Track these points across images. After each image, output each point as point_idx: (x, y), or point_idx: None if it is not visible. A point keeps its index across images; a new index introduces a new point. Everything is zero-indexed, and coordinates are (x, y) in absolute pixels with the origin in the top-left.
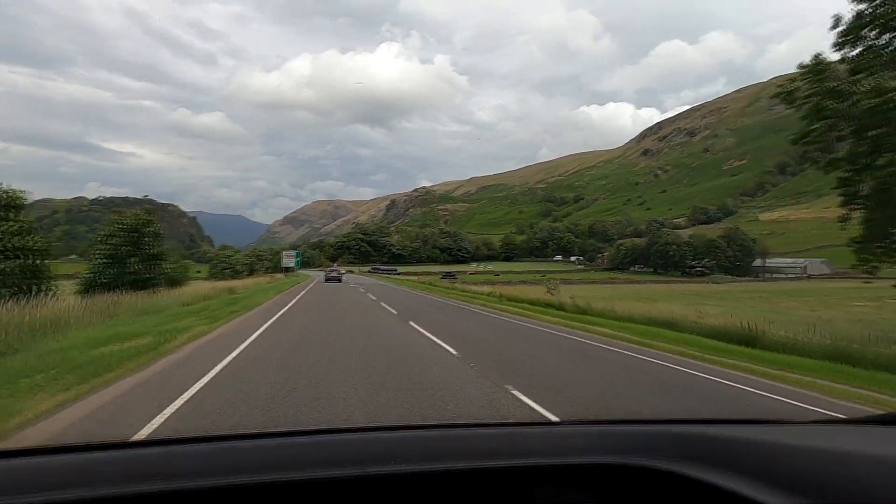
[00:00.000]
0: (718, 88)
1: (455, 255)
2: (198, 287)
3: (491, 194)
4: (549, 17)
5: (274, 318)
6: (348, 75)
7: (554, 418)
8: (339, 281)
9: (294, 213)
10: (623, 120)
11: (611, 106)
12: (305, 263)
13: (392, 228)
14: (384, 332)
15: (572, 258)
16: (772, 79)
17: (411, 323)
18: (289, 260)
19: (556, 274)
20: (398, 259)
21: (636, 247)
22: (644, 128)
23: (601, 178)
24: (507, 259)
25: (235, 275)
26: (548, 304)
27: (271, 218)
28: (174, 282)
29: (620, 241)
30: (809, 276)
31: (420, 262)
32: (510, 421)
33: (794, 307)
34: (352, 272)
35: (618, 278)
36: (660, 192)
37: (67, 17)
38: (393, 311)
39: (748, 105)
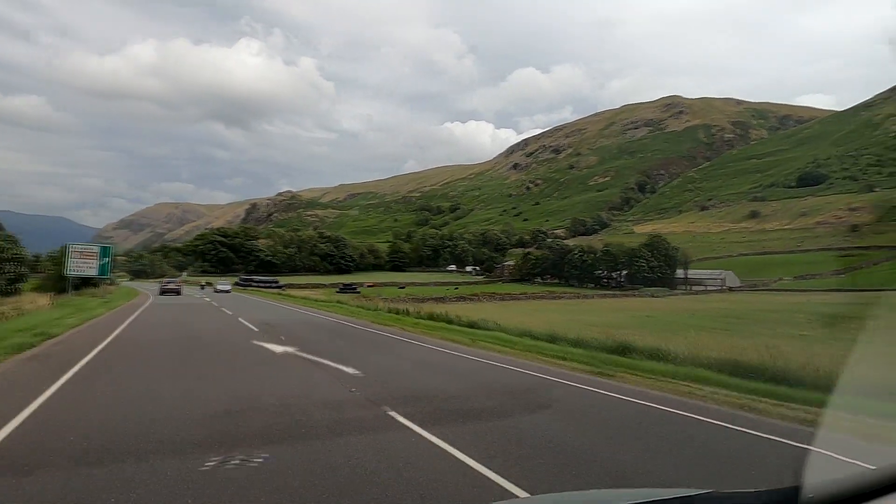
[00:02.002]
0: (566, 115)
1: (337, 263)
2: None
3: (361, 202)
4: (416, 32)
5: None
6: (202, 69)
7: None
8: (178, 294)
9: (133, 216)
10: (483, 138)
11: (472, 124)
12: (140, 273)
13: (261, 230)
14: None
15: (468, 268)
16: (623, 106)
17: None
18: (82, 263)
19: (470, 286)
20: (269, 267)
21: (545, 257)
22: (503, 146)
23: (474, 190)
24: (396, 268)
25: None
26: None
27: (104, 221)
28: None
29: (527, 251)
30: (730, 289)
31: (296, 271)
32: None
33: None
34: (214, 287)
35: (543, 292)
36: (534, 204)
37: None
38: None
39: (605, 128)
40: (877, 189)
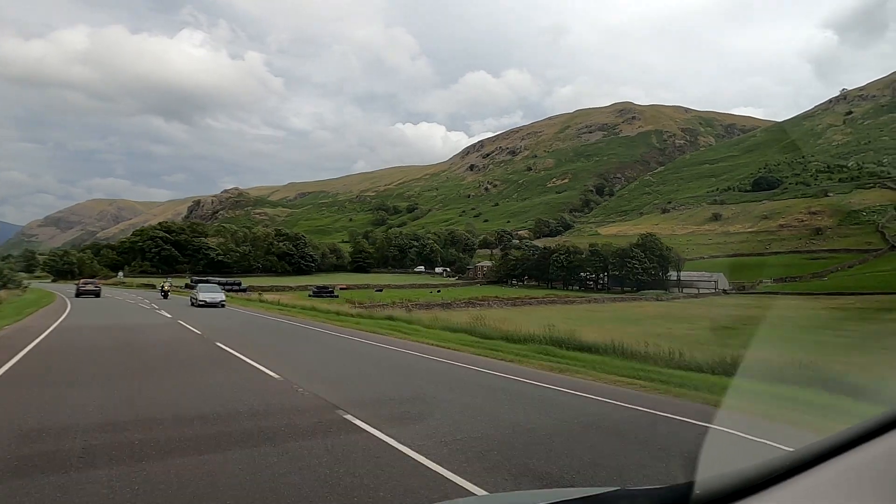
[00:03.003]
0: (516, 120)
1: (297, 263)
2: None
3: (313, 200)
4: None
5: None
6: (140, 59)
7: None
8: (97, 296)
9: (61, 212)
10: (435, 140)
11: (424, 125)
12: (65, 274)
13: (210, 227)
14: None
15: (437, 269)
16: (577, 111)
17: None
18: None
19: (452, 289)
20: (219, 267)
21: (526, 257)
22: (454, 148)
23: (431, 190)
24: (360, 269)
25: None
26: None
27: (28, 217)
28: None
29: (506, 251)
30: (724, 291)
31: (250, 271)
32: None
33: None
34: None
35: (548, 296)
36: (493, 206)
37: None
38: None
39: (560, 131)
40: (831, 194)
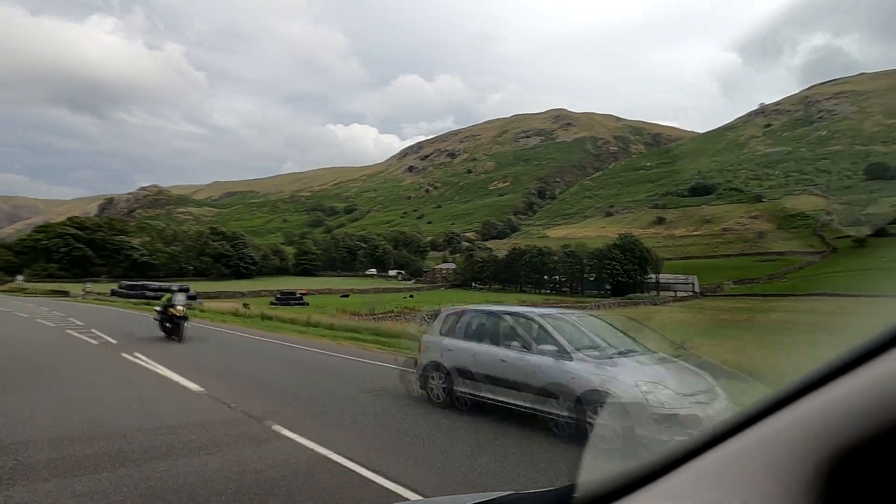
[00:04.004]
0: (448, 124)
1: (235, 266)
2: None
3: (241, 200)
4: (297, 27)
5: None
6: (41, 44)
7: None
8: None
9: None
10: (367, 142)
11: (356, 127)
12: None
13: (131, 224)
14: None
15: (391, 272)
16: (514, 115)
17: None
18: None
19: (423, 293)
20: (143, 269)
21: (493, 258)
22: (387, 150)
23: (370, 191)
24: (306, 272)
25: None
26: None
27: None
28: None
29: (471, 252)
30: (702, 294)
31: (181, 274)
32: None
33: None
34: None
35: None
36: (436, 208)
37: None
38: None
39: (498, 135)
40: (765, 199)
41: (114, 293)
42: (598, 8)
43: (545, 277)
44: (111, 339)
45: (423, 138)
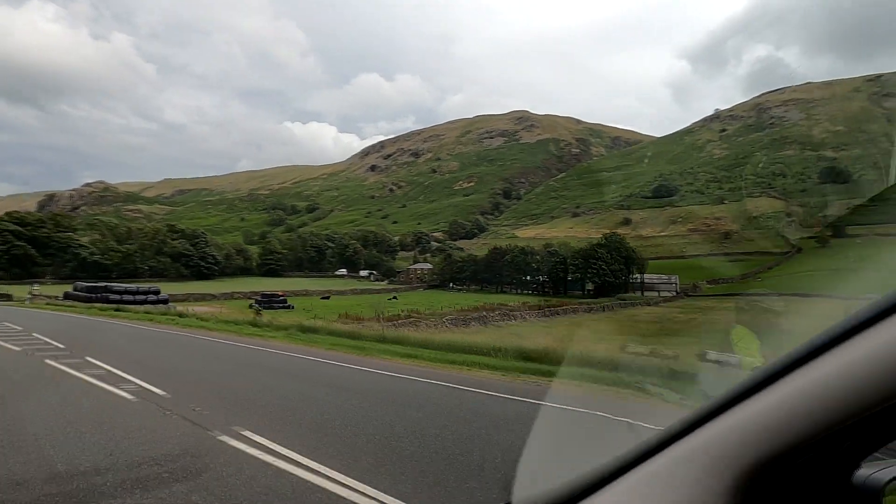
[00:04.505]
0: (408, 125)
1: (196, 266)
2: None
3: (195, 198)
4: (254, 21)
5: None
6: None
7: None
8: None
9: None
10: (326, 140)
11: (314, 125)
12: None
13: (78, 220)
14: None
15: (363, 272)
16: (476, 116)
17: None
18: None
19: (404, 294)
20: (94, 269)
21: (473, 258)
22: (346, 149)
23: (332, 190)
24: (271, 273)
25: None
26: None
27: None
28: None
29: (448, 252)
30: (687, 294)
31: (136, 275)
32: None
33: None
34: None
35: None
36: (400, 207)
37: None
38: None
39: (462, 135)
40: (726, 201)
41: (68, 296)
42: (554, 13)
43: (527, 278)
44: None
45: (383, 138)
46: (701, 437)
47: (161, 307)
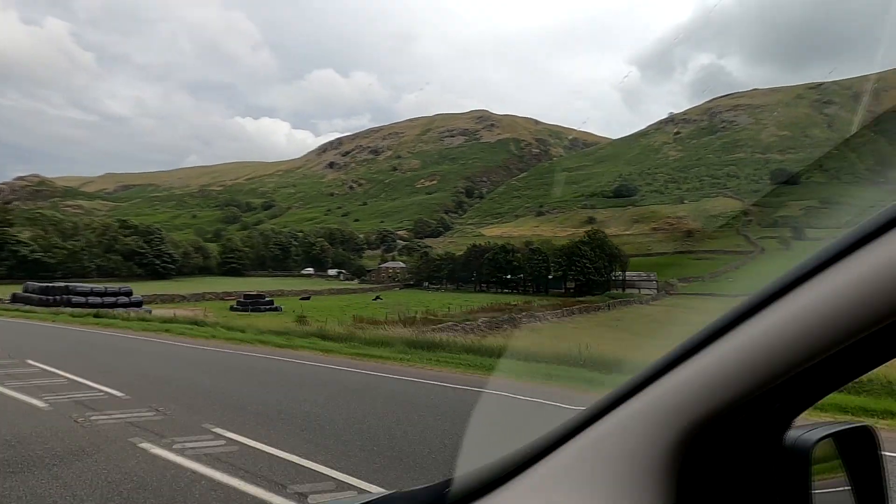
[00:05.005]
0: (364, 122)
1: (151, 264)
2: None
3: (141, 194)
4: (201, 11)
5: None
6: None
7: None
8: None
9: None
10: (279, 136)
11: (266, 121)
12: None
13: (16, 214)
14: None
15: (331, 271)
16: (436, 115)
17: None
18: None
19: (387, 294)
20: (35, 269)
21: (451, 256)
22: (300, 146)
23: (288, 187)
24: (234, 272)
25: None
26: None
27: None
28: None
29: (424, 250)
30: (668, 293)
31: (83, 275)
32: None
33: None
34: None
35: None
36: (361, 205)
37: None
38: None
39: (422, 133)
40: (686, 201)
41: (18, 299)
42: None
43: (508, 276)
44: None
45: (338, 135)
46: (646, 397)
47: (134, 311)
